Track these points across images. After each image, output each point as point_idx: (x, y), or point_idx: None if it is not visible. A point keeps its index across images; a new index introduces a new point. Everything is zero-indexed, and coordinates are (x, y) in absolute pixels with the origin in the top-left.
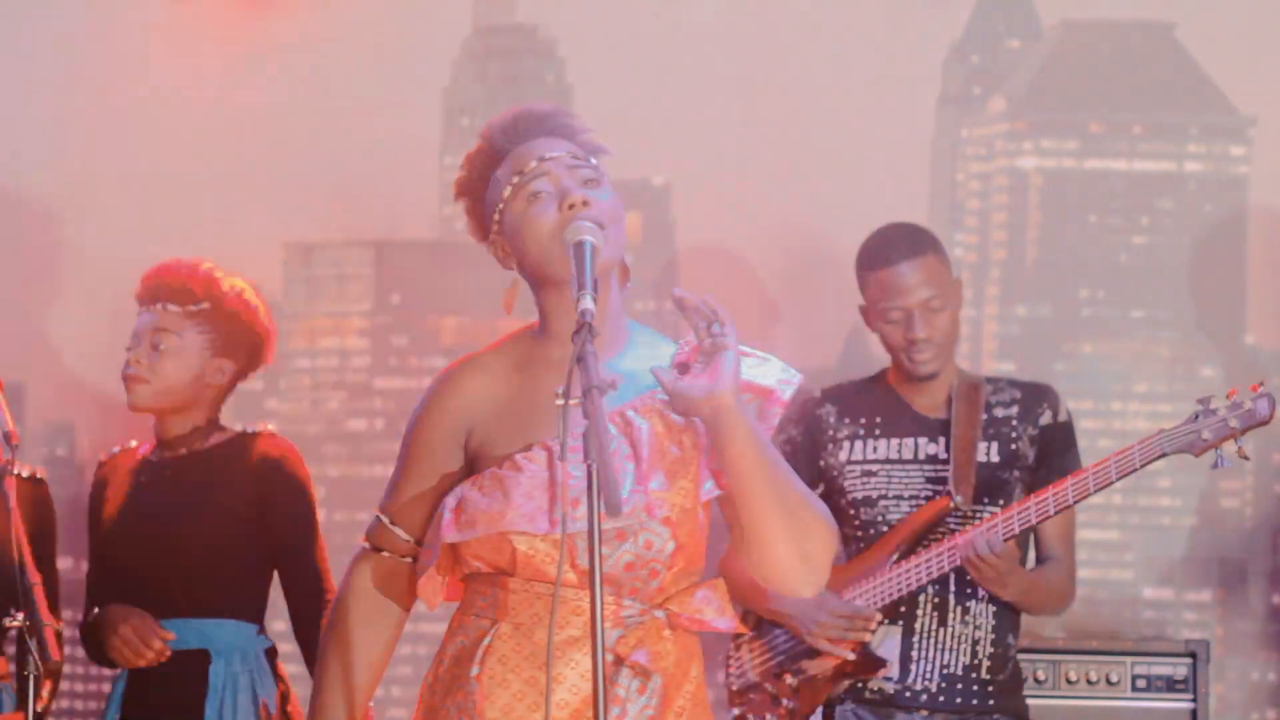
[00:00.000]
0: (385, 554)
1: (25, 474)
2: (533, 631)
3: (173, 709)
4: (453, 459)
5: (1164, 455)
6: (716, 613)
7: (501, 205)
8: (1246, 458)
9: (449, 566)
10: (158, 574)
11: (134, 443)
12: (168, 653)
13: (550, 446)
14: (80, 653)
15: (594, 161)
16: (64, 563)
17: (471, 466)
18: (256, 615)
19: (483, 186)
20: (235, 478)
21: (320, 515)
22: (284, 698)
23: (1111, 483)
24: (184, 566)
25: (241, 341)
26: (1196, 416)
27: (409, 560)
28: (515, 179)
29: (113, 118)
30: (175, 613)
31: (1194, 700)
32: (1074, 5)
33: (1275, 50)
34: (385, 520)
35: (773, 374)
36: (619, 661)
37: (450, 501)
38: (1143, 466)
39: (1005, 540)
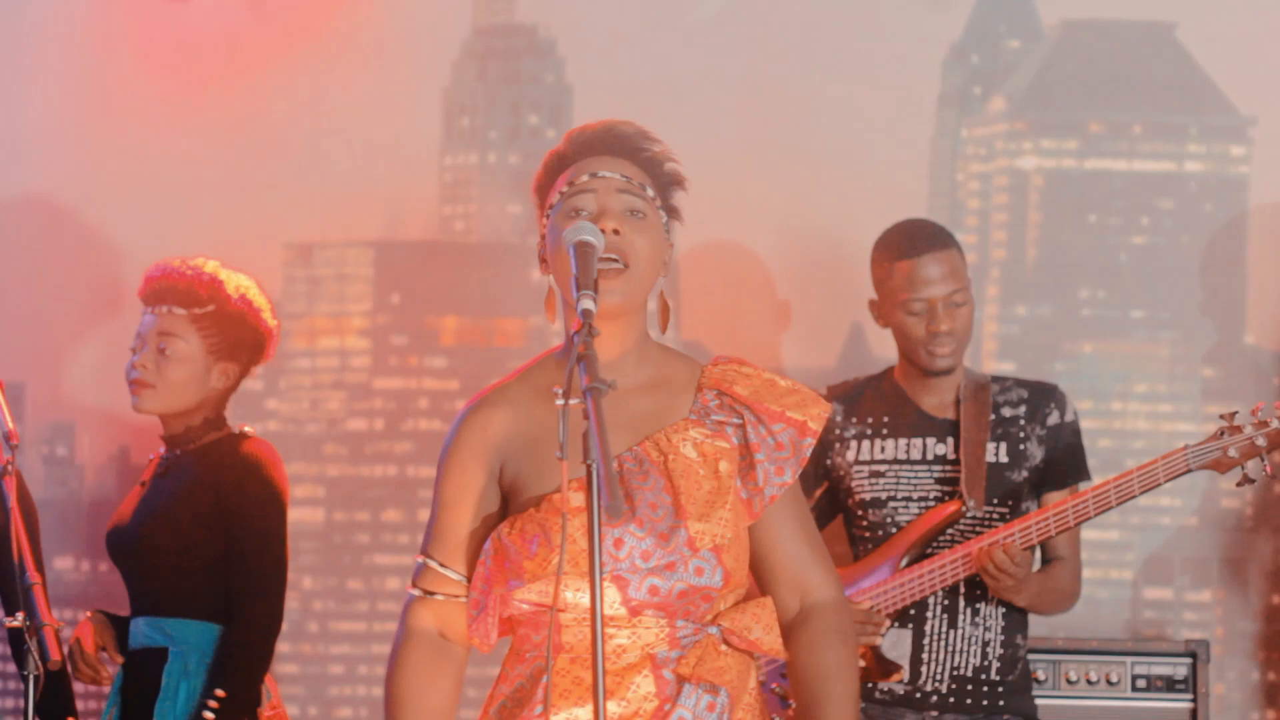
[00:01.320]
0: (440, 597)
1: None
2: (591, 663)
3: (140, 703)
4: (490, 495)
5: (1189, 471)
6: (764, 631)
7: (549, 212)
8: (1274, 475)
9: (497, 608)
10: (136, 572)
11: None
12: (105, 684)
13: (586, 484)
14: None
15: (650, 193)
16: (64, 563)
17: (507, 500)
18: (221, 616)
19: (549, 189)
20: (208, 479)
21: (320, 515)
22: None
23: (1134, 496)
24: (154, 565)
25: (246, 344)
26: (1222, 433)
27: (463, 599)
28: (565, 189)
29: (113, 118)
30: (151, 611)
31: (1194, 700)
32: (1074, 5)
33: (1275, 50)
34: (435, 564)
35: (806, 404)
36: (681, 680)
37: (489, 547)
38: (1166, 481)
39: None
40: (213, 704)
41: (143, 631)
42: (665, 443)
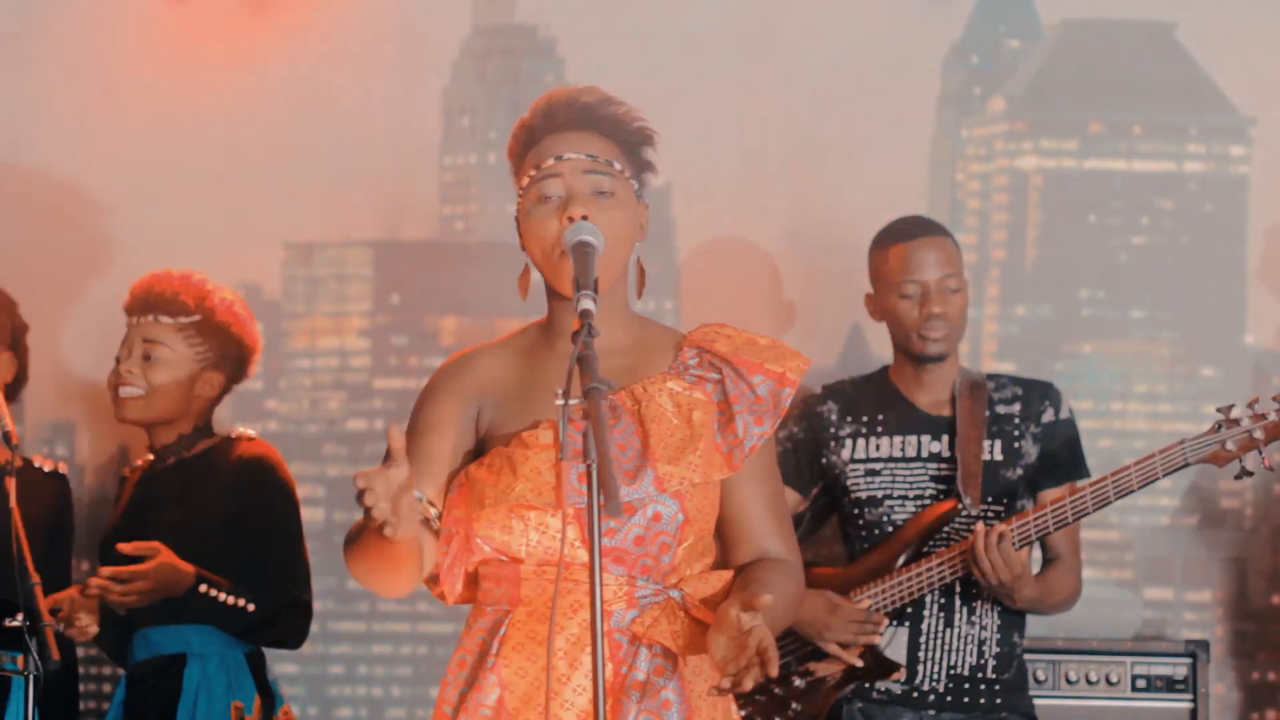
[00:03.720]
0: None
1: (48, 469)
2: (548, 616)
3: (156, 711)
4: (463, 435)
5: (1187, 465)
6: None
7: (520, 192)
8: (1272, 468)
9: (463, 555)
10: None
11: (150, 456)
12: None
13: (556, 424)
14: (90, 652)
15: (617, 166)
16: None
17: (480, 450)
18: None
19: (519, 162)
20: (213, 485)
21: (320, 515)
22: (269, 704)
23: (1132, 490)
24: None
25: (231, 354)
26: (1219, 426)
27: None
28: (533, 172)
29: (113, 118)
30: (157, 619)
31: (1194, 700)
32: (1074, 5)
33: (1275, 50)
34: None
35: (784, 357)
36: (636, 641)
37: (458, 480)
38: (1164, 475)
39: (1020, 548)
40: (234, 601)
41: (152, 641)
42: (641, 392)
